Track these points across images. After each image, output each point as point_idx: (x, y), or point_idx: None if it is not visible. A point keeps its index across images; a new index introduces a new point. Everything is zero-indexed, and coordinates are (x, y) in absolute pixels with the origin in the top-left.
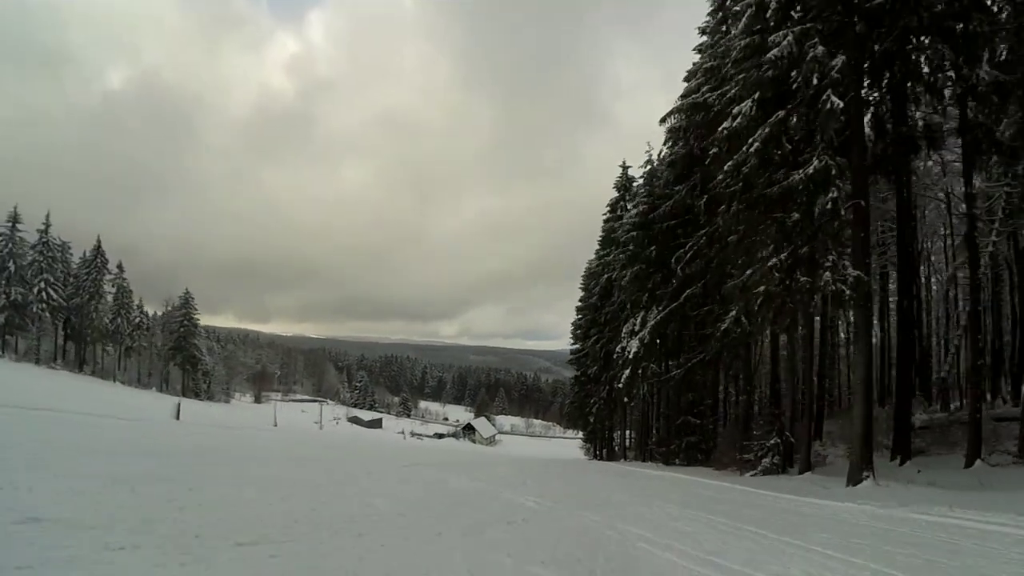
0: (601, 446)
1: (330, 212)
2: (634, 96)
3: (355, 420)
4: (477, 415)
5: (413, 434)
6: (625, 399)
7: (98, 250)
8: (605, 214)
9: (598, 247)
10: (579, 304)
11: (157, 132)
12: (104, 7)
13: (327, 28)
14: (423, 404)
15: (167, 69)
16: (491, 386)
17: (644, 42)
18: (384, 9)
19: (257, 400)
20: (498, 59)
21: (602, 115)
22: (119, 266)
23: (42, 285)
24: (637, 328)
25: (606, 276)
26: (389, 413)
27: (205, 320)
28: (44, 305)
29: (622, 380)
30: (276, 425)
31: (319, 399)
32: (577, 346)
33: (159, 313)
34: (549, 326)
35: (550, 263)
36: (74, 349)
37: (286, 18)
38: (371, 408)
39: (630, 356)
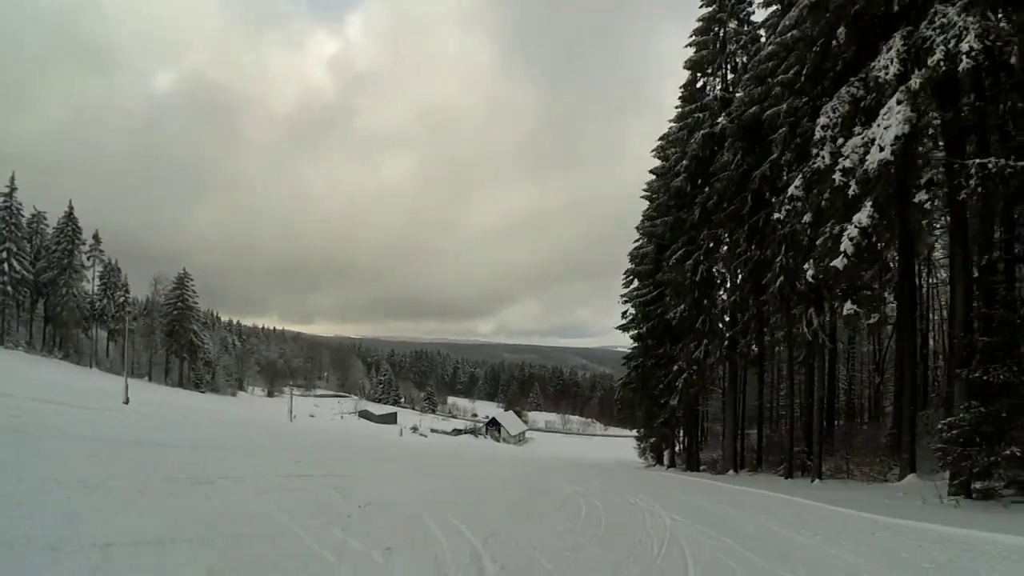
0: (663, 446)
1: (368, 209)
2: (680, 79)
3: (366, 414)
4: (507, 410)
5: (415, 429)
6: (858, 312)
7: (70, 217)
8: (693, 38)
9: (676, 111)
10: (645, 215)
11: (201, 132)
12: (149, 8)
13: (368, 21)
14: (452, 400)
15: (211, 68)
16: (525, 381)
17: (691, 19)
18: None
19: (270, 394)
20: (540, 42)
21: (645, 100)
22: (95, 237)
23: (4, 255)
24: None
25: (702, 132)
26: (413, 408)
27: (252, 320)
28: (6, 278)
29: (846, 252)
30: (127, 403)
31: (342, 394)
32: (642, 290)
33: (159, 298)
34: (586, 323)
35: (588, 258)
36: (53, 332)
37: (326, 15)
38: (395, 403)
39: (878, 161)
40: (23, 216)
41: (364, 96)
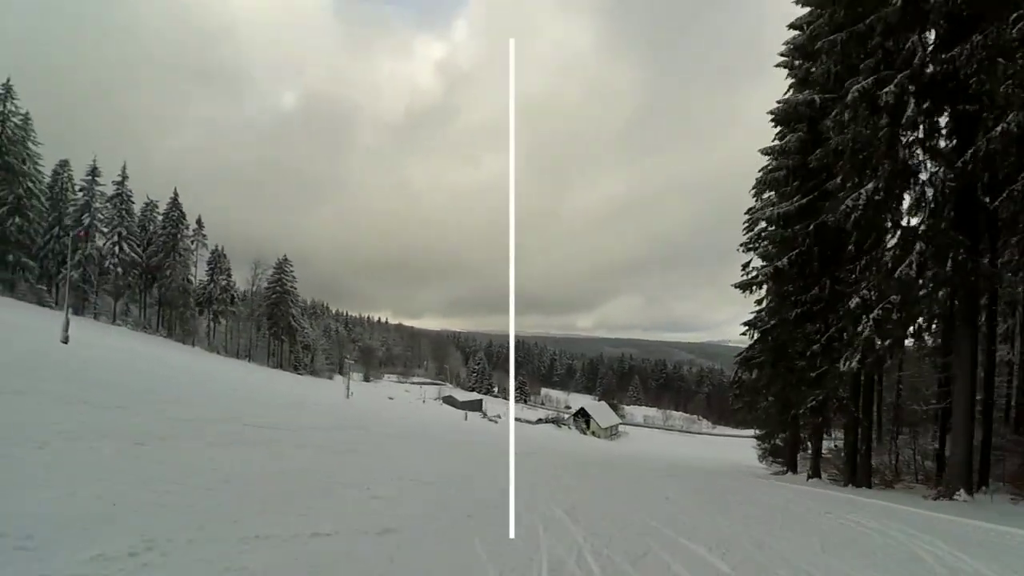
0: (799, 445)
1: (470, 204)
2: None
3: (450, 400)
4: (599, 401)
5: (485, 415)
6: None
7: (175, 203)
8: None
9: None
10: (780, 101)
11: (317, 142)
12: (272, 31)
13: (470, 24)
14: (545, 391)
15: (327, 81)
16: (624, 374)
17: None
18: None
19: (366, 378)
20: (642, 13)
21: (762, 61)
22: (198, 222)
23: (116, 239)
24: None
25: None
26: (505, 398)
27: (366, 314)
28: (116, 260)
29: None
30: (65, 342)
31: (437, 381)
32: (781, 204)
33: (262, 283)
34: (693, 317)
35: (694, 245)
36: (165, 313)
37: (431, 20)
38: (487, 392)
39: None
40: (134, 203)
41: (466, 94)
